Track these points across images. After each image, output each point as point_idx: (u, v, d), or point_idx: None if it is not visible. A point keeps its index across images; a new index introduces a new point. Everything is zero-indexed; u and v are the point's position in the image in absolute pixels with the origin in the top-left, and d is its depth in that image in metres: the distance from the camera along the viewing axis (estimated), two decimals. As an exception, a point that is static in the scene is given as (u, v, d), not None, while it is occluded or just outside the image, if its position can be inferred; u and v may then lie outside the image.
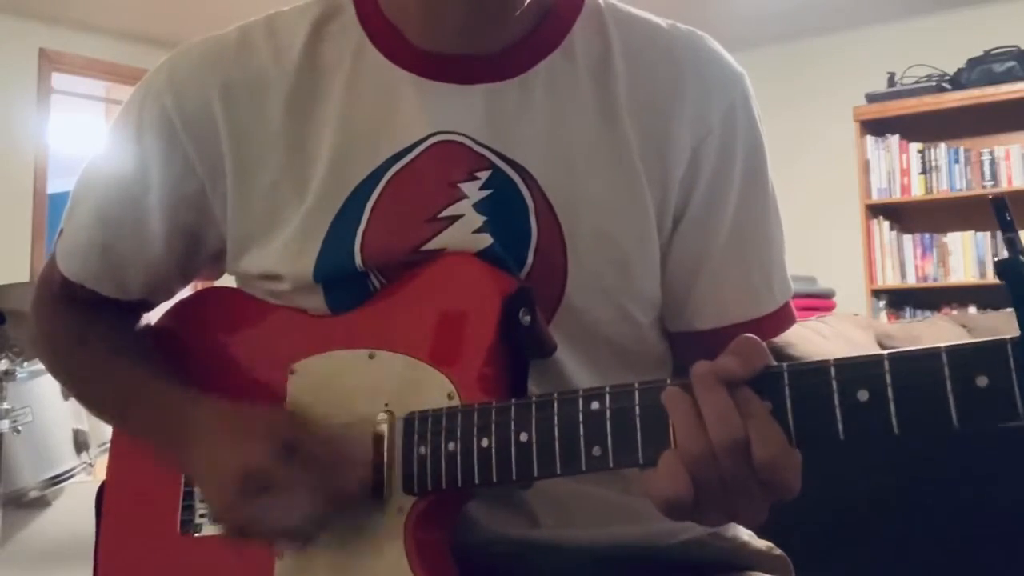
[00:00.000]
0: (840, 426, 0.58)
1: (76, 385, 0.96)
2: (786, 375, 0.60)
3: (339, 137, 0.81)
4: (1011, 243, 0.54)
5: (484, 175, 0.80)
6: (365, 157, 0.81)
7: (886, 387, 0.57)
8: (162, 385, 0.86)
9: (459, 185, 0.79)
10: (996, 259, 0.54)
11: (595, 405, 0.66)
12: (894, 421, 0.56)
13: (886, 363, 0.57)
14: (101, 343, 0.91)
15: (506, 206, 0.79)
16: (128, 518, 0.91)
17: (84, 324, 0.92)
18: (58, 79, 5.22)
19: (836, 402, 0.58)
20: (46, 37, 5.09)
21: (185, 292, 0.96)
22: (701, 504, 0.62)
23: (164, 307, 0.96)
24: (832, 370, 0.58)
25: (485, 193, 0.79)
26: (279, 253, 0.82)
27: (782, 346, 1.82)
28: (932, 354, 0.56)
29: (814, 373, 0.59)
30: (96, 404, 0.96)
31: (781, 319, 0.86)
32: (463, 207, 0.79)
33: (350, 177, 0.81)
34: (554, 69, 0.81)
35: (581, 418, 0.66)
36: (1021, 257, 0.53)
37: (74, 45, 5.19)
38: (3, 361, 2.72)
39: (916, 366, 0.56)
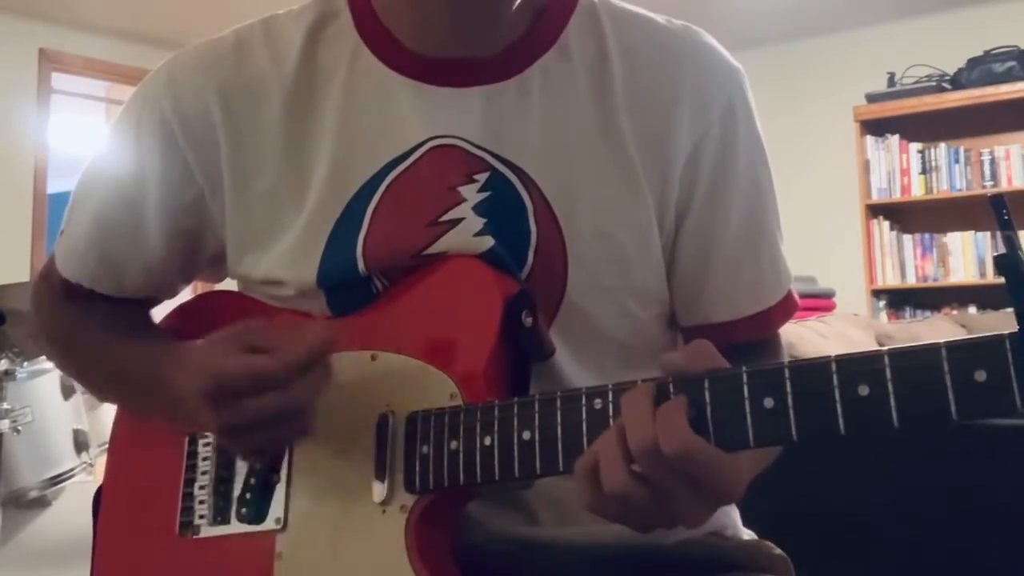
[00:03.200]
0: (841, 421, 0.58)
1: (78, 370, 0.97)
2: (787, 371, 0.60)
3: (337, 143, 0.81)
4: (1009, 240, 0.54)
5: (482, 177, 0.80)
6: (363, 163, 0.81)
7: (886, 382, 0.57)
8: (151, 348, 0.86)
9: (458, 189, 0.80)
10: (996, 255, 0.54)
11: (598, 403, 0.66)
12: (894, 416, 0.57)
13: (886, 359, 0.57)
14: (98, 325, 0.92)
15: (505, 207, 0.79)
16: (126, 520, 0.91)
17: (82, 312, 0.93)
18: (58, 79, 5.22)
19: (837, 397, 0.58)
20: (46, 37, 5.09)
21: (186, 295, 0.96)
22: (641, 515, 0.64)
23: (165, 310, 0.96)
24: (833, 365, 0.59)
25: (484, 195, 0.80)
26: (280, 259, 0.83)
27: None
28: (931, 350, 0.56)
29: (815, 369, 0.59)
30: (98, 385, 0.96)
31: (790, 304, 0.88)
32: (463, 210, 0.79)
33: (349, 183, 0.81)
34: (550, 69, 0.82)
35: (584, 416, 0.66)
36: (1020, 253, 0.53)
37: (74, 45, 5.19)
38: (3, 361, 2.72)
39: (916, 361, 0.57)
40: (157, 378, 0.81)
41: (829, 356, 0.59)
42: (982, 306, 4.69)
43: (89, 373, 0.96)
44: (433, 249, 0.79)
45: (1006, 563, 1.64)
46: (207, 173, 0.84)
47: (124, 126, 0.88)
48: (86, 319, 0.92)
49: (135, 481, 0.92)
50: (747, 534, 0.91)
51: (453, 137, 0.80)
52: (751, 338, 0.86)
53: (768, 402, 0.60)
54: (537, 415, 0.68)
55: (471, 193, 0.80)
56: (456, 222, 0.79)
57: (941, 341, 0.56)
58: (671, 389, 0.63)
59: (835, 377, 0.58)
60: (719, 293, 0.85)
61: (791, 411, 0.60)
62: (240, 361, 0.71)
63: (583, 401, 0.67)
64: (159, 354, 0.83)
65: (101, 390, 0.98)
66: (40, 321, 0.97)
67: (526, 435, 0.68)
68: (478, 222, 0.79)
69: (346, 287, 0.82)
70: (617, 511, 0.64)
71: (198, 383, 0.72)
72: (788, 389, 0.60)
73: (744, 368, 0.62)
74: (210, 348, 0.75)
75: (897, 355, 0.57)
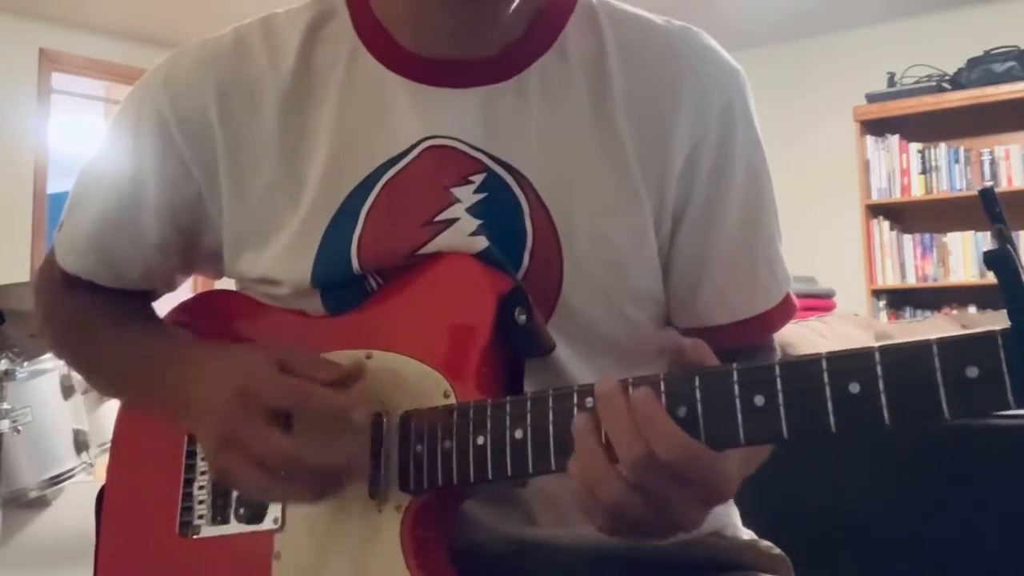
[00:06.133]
0: (832, 419, 0.58)
1: (79, 362, 0.97)
2: (778, 368, 0.60)
3: (333, 142, 0.81)
4: (1000, 233, 0.54)
5: (478, 178, 0.80)
6: (359, 163, 0.81)
7: (877, 379, 0.57)
8: (161, 340, 0.86)
9: (452, 189, 0.79)
10: (985, 251, 0.54)
11: (589, 402, 0.66)
12: (885, 413, 0.56)
13: (877, 355, 0.57)
14: (101, 314, 0.92)
15: (501, 209, 0.79)
16: (128, 520, 0.91)
17: (84, 302, 0.92)
18: (58, 79, 5.23)
19: (828, 395, 0.58)
20: (46, 37, 5.10)
21: (186, 294, 0.96)
22: (639, 525, 0.63)
23: (165, 309, 0.96)
24: (824, 363, 0.58)
25: (479, 196, 0.79)
26: (276, 258, 0.83)
27: (781, 346, 1.82)
28: (923, 346, 0.56)
29: (806, 366, 0.59)
30: (100, 376, 0.96)
31: (787, 309, 0.88)
32: (457, 211, 0.79)
33: (344, 182, 0.81)
34: (548, 70, 0.81)
35: (575, 414, 0.66)
36: (1009, 247, 0.53)
37: (74, 45, 5.19)
38: (3, 361, 2.72)
39: (907, 358, 0.56)
40: (174, 377, 0.80)
41: (820, 353, 0.59)
42: (982, 306, 4.68)
43: (91, 364, 0.96)
44: (427, 249, 0.79)
45: (1006, 563, 1.64)
46: (204, 171, 0.84)
47: (122, 123, 0.88)
48: (88, 309, 0.92)
49: (136, 481, 0.92)
50: (747, 534, 0.91)
51: (450, 138, 0.80)
52: (748, 342, 0.86)
53: (759, 400, 0.60)
54: (529, 414, 0.68)
55: (466, 194, 0.79)
56: (450, 222, 0.79)
57: (932, 337, 0.56)
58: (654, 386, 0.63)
59: (825, 375, 0.58)
60: (715, 296, 0.84)
61: (782, 409, 0.59)
62: (288, 390, 0.71)
63: (574, 400, 0.67)
64: (175, 352, 0.83)
65: (103, 380, 0.97)
66: (42, 311, 0.97)
67: (518, 434, 0.68)
68: (473, 223, 0.79)
69: (341, 286, 0.82)
70: (612, 522, 0.64)
71: (236, 385, 0.72)
72: (779, 387, 0.60)
73: (734, 365, 0.62)
74: (252, 363, 0.74)
75: (888, 352, 0.57)
